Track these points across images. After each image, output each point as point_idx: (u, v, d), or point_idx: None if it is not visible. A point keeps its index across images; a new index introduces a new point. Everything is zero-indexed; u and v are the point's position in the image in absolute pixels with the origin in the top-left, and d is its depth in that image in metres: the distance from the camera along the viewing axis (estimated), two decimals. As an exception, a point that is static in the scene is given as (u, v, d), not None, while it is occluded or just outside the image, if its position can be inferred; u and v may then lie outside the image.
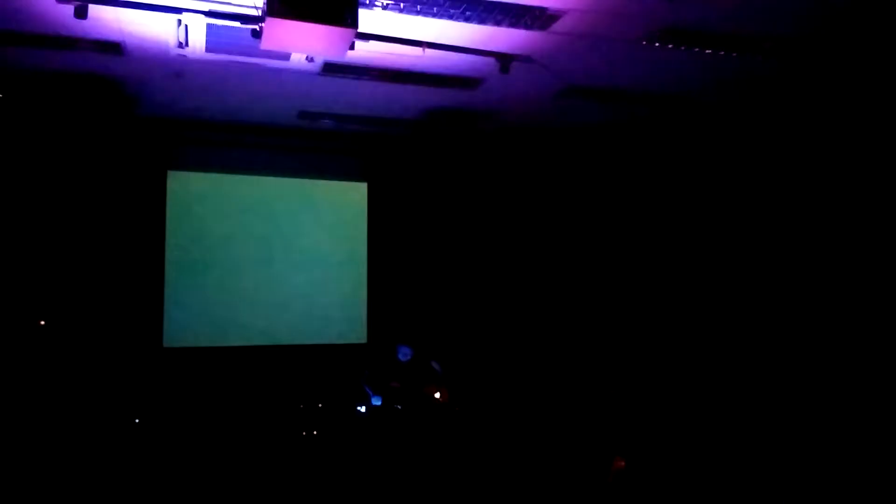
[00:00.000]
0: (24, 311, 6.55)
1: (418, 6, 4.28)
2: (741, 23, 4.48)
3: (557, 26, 4.55)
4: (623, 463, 4.46)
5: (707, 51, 4.94)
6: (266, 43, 3.90)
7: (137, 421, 6.48)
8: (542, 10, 4.31)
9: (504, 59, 4.90)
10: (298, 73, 5.53)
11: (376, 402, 5.83)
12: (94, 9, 4.14)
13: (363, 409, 5.70)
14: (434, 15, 4.39)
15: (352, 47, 3.98)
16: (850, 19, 4.40)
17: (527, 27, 4.57)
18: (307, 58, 4.46)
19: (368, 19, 4.35)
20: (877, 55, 4.87)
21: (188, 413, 6.72)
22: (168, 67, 5.40)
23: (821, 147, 5.64)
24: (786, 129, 5.98)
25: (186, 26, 4.40)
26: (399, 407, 5.79)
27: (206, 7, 4.21)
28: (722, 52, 4.95)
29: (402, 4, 4.23)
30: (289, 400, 7.04)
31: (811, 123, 5.75)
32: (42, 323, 6.57)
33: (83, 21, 4.15)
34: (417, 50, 4.67)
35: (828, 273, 5.40)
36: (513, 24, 4.54)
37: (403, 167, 7.75)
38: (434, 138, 6.85)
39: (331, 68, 5.45)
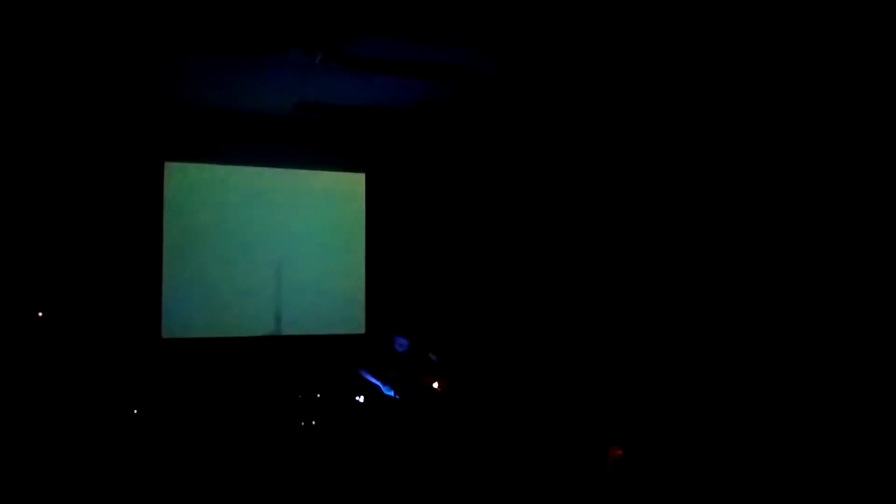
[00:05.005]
0: (23, 302, 6.56)
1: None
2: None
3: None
4: (620, 452, 4.49)
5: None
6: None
7: (136, 412, 6.51)
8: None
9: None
10: (295, 65, 5.53)
11: (388, 392, 5.84)
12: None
13: (361, 399, 5.73)
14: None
15: (349, 40, 3.98)
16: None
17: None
18: (304, 50, 4.47)
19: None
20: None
21: (187, 404, 6.74)
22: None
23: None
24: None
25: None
26: (398, 397, 5.83)
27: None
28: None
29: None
30: (287, 390, 7.07)
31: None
32: (40, 314, 6.58)
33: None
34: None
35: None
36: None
37: (401, 157, 7.75)
38: (432, 129, 6.85)
39: (328, 60, 5.45)
